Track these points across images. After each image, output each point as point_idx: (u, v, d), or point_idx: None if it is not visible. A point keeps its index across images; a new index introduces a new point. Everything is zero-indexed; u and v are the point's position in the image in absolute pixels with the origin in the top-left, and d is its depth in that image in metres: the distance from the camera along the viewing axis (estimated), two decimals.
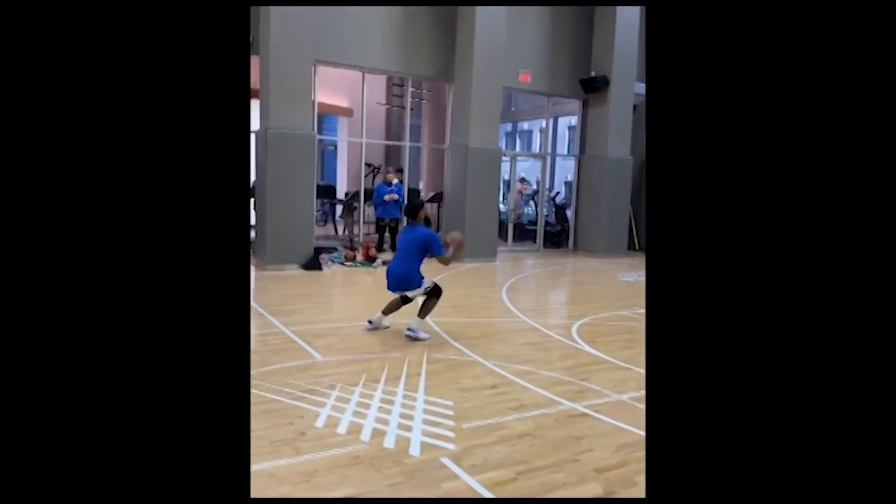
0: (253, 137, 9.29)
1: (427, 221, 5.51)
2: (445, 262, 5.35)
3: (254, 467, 2.81)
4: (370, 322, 5.48)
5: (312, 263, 8.86)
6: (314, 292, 7.45)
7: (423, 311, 5.32)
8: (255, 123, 9.49)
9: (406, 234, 5.44)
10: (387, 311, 5.45)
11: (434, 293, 5.30)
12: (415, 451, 3.06)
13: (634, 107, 12.78)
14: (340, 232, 12.78)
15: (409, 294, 5.31)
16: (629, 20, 11.95)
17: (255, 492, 2.59)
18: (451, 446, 3.13)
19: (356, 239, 11.30)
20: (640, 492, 2.73)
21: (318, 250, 9.25)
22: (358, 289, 7.93)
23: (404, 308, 5.52)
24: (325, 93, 12.79)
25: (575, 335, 5.66)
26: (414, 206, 5.52)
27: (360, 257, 9.68)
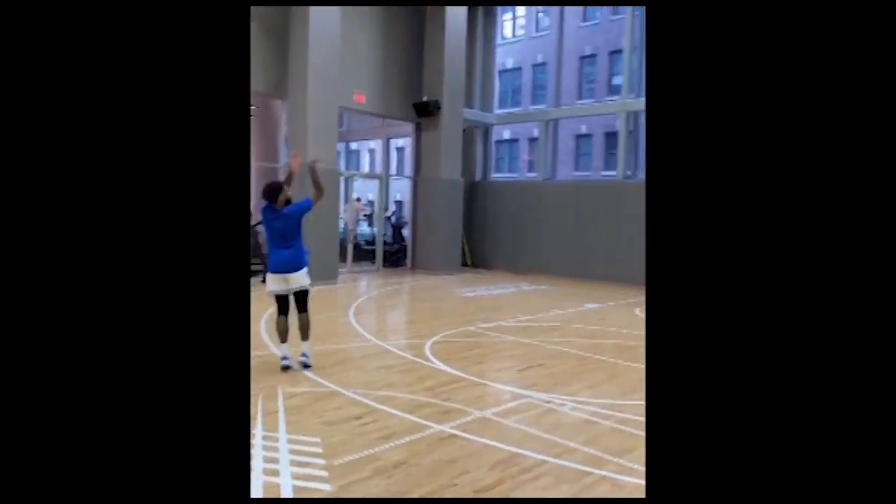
0: None
1: (288, 201, 5.08)
2: (320, 194, 5.21)
3: None
4: (285, 360, 5.04)
5: None
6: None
7: (305, 331, 5.15)
8: None
9: (279, 221, 5.03)
10: (284, 337, 5.10)
11: (304, 305, 5.17)
12: (287, 495, 2.84)
13: (463, 130, 13.47)
14: None
15: (299, 274, 5.08)
16: (456, 49, 12.60)
17: None
18: (326, 486, 2.95)
19: None
20: None
21: None
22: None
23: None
24: None
25: (429, 354, 5.73)
26: (274, 188, 5.04)
27: None
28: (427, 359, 5.59)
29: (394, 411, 4.10)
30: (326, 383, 4.68)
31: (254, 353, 5.58)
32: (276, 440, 3.51)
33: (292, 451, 3.35)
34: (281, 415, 3.93)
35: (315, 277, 10.27)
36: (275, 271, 5.04)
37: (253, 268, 10.83)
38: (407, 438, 3.62)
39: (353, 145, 24.39)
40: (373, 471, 3.15)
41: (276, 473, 3.07)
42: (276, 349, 5.32)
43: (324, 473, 3.09)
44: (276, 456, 3.28)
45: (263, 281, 10.02)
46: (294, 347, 5.20)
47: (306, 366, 5.03)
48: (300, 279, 5.10)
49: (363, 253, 13.65)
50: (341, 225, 12.97)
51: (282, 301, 5.14)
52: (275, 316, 5.23)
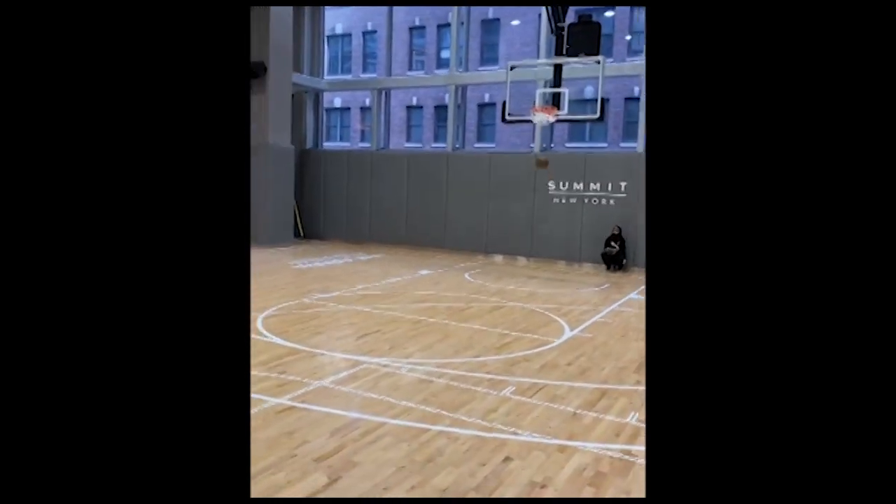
0: None
1: None
2: None
3: None
4: None
5: None
6: None
7: None
8: None
9: None
10: None
11: None
12: None
13: (293, 96, 12.90)
14: None
15: None
16: (283, 10, 11.95)
17: None
18: None
19: None
20: (362, 470, 2.87)
21: None
22: None
23: None
24: None
25: (262, 329, 5.52)
26: None
27: None
28: (260, 333, 5.38)
29: None
30: None
31: None
32: None
33: None
34: None
35: None
36: None
37: None
38: None
39: None
40: None
41: None
42: None
43: None
44: None
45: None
46: None
47: None
48: None
49: None
50: None
51: None
52: None
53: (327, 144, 16.28)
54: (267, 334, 5.35)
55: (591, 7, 14.99)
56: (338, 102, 25.32)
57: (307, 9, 13.87)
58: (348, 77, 22.74)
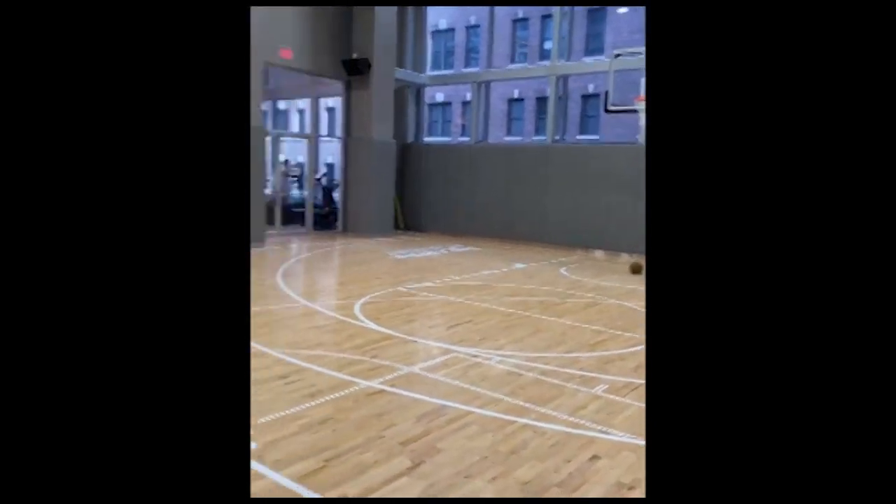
0: None
1: None
2: None
3: None
4: None
5: None
6: None
7: None
8: None
9: None
10: None
11: None
12: None
13: (395, 91, 13.22)
14: None
15: None
16: (387, 7, 12.26)
17: None
18: (252, 444, 2.92)
19: None
20: (445, 457, 2.89)
21: None
22: None
23: None
24: None
25: (358, 314, 5.71)
26: None
27: None
28: (356, 318, 5.57)
29: (321, 369, 4.08)
30: (253, 344, 4.59)
31: None
32: None
33: None
34: None
35: None
36: None
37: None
38: (333, 395, 3.62)
39: (282, 105, 23.47)
40: (299, 427, 3.14)
41: None
42: None
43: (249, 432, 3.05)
44: None
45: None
46: None
47: None
48: None
49: (293, 216, 13.32)
50: (269, 187, 12.58)
51: None
52: None
53: (428, 138, 16.55)
54: (363, 319, 5.52)
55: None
56: (440, 97, 25.65)
57: (411, 7, 14.14)
58: (450, 72, 22.94)
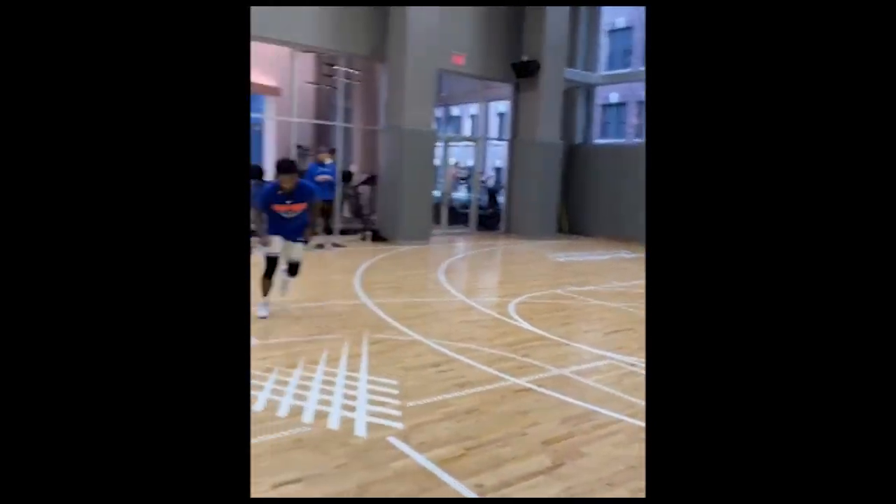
0: None
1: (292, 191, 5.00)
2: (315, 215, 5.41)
3: None
4: (265, 307, 5.08)
5: None
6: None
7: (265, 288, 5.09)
8: None
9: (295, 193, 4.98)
10: (267, 291, 5.08)
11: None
12: (360, 431, 2.98)
13: (565, 91, 13.03)
14: None
15: (300, 243, 5.13)
16: (559, 6, 12.13)
17: None
18: (398, 425, 3.06)
19: None
20: (588, 462, 2.77)
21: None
22: None
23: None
24: (251, 72, 12.23)
25: (513, 313, 5.71)
26: (292, 162, 5.22)
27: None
28: (511, 317, 5.58)
29: (471, 362, 4.15)
30: (409, 332, 4.82)
31: (346, 301, 5.85)
32: (357, 380, 3.68)
33: (370, 391, 3.50)
34: (364, 358, 4.11)
35: (408, 237, 10.59)
36: (280, 233, 5.02)
37: (351, 227, 11.28)
38: (481, 388, 3.66)
39: (455, 111, 24.38)
40: (444, 414, 3.22)
41: (352, 409, 3.22)
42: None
43: (397, 413, 3.21)
44: (354, 394, 3.45)
45: (365, 239, 10.35)
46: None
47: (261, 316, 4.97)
48: (299, 241, 5.13)
49: (458, 216, 13.76)
50: (437, 188, 13.13)
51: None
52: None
53: (600, 140, 16.05)
54: (517, 318, 5.52)
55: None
56: (614, 98, 24.75)
57: (584, 6, 13.83)
58: (625, 71, 22.01)
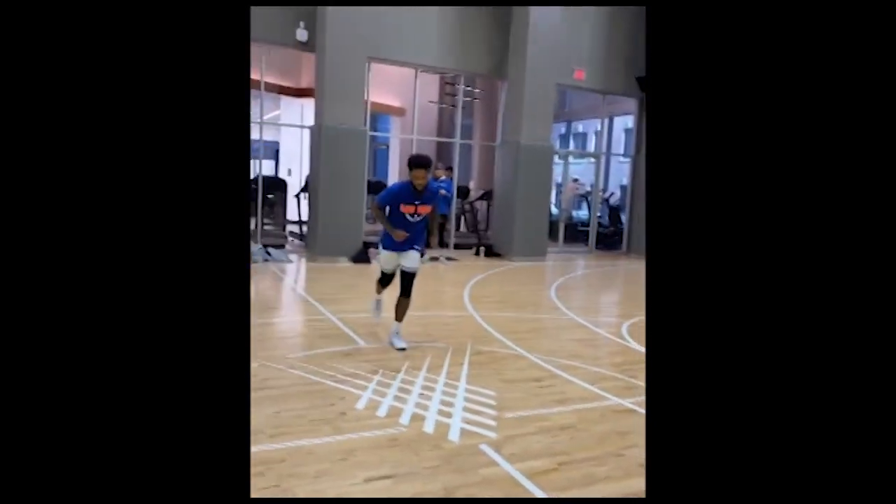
0: (308, 133, 9.47)
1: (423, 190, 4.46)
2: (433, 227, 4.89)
3: (292, 443, 2.83)
4: (377, 310, 5.00)
5: (361, 256, 8.95)
6: (362, 283, 7.51)
7: (400, 313, 4.68)
8: (310, 120, 9.69)
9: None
10: (400, 316, 4.68)
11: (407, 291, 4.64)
12: (454, 436, 3.02)
13: None
14: None
15: (416, 252, 4.60)
16: None
17: (291, 468, 2.60)
18: (491, 434, 3.06)
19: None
20: None
21: (367, 245, 9.33)
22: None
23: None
24: (380, 93, 12.94)
25: (625, 334, 5.49)
26: (426, 157, 4.68)
27: None
28: (623, 337, 5.37)
29: (574, 379, 4.05)
30: (513, 346, 4.80)
31: (454, 312, 5.96)
32: (456, 388, 3.73)
33: (467, 400, 3.53)
34: (465, 367, 4.16)
35: (522, 254, 10.54)
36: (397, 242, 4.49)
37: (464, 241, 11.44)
38: (581, 406, 3.56)
39: (580, 127, 23.96)
40: (538, 429, 3.18)
41: (448, 416, 3.27)
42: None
43: (492, 423, 3.21)
44: (452, 401, 3.50)
45: (477, 254, 10.44)
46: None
47: (400, 348, 4.51)
48: (416, 248, 4.60)
49: (576, 234, 13.47)
50: (553, 204, 12.97)
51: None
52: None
53: None
54: (628, 339, 5.29)
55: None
56: None
57: None
58: None
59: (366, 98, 9.41)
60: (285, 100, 14.01)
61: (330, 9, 8.59)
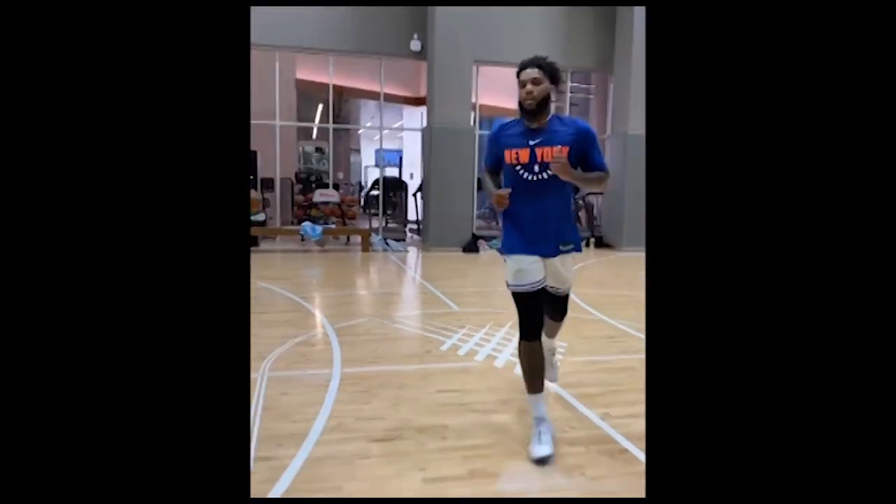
0: (419, 135, 10.32)
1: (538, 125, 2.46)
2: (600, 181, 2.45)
3: (386, 367, 3.48)
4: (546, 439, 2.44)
5: (471, 247, 9.58)
6: (468, 269, 8.13)
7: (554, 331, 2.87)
8: (423, 122, 10.54)
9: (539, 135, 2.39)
10: (536, 384, 2.55)
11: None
12: (519, 370, 3.49)
13: None
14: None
15: (566, 254, 2.49)
16: None
17: (381, 382, 3.23)
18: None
19: None
20: None
21: (477, 237, 9.96)
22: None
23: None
24: (495, 95, 13.56)
25: None
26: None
27: None
28: None
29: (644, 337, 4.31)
30: (598, 314, 5.11)
31: None
32: None
33: None
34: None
35: (631, 243, 10.62)
36: (519, 239, 2.47)
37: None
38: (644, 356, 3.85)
39: None
40: (599, 369, 3.54)
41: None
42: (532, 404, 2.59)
43: (558, 363, 3.62)
44: None
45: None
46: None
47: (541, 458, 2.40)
48: (563, 254, 2.49)
49: None
50: None
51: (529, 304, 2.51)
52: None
53: None
54: None
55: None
56: None
57: None
58: None
59: (474, 100, 10.06)
60: (407, 109, 15.14)
61: (438, 14, 9.36)
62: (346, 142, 19.25)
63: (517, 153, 2.38)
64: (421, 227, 11.42)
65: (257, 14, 8.58)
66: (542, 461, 2.33)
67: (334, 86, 10.95)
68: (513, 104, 11.94)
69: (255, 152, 11.00)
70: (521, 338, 2.52)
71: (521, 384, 2.63)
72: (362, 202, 13.99)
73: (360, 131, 19.54)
